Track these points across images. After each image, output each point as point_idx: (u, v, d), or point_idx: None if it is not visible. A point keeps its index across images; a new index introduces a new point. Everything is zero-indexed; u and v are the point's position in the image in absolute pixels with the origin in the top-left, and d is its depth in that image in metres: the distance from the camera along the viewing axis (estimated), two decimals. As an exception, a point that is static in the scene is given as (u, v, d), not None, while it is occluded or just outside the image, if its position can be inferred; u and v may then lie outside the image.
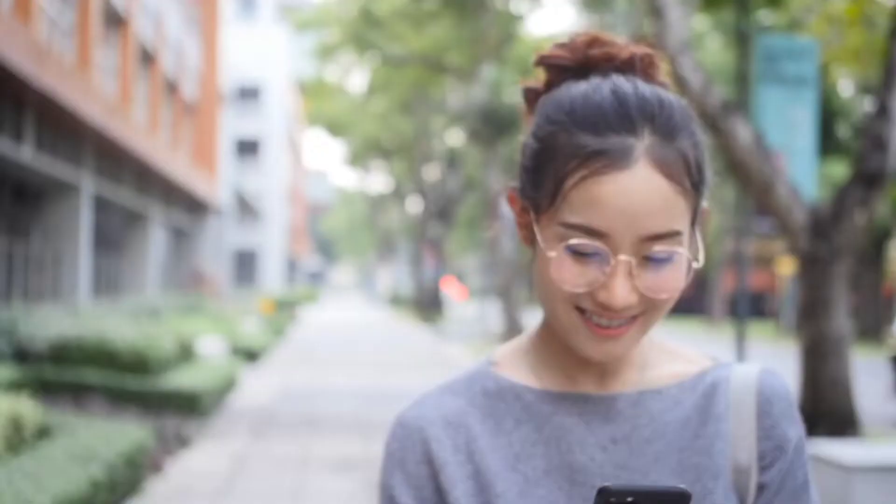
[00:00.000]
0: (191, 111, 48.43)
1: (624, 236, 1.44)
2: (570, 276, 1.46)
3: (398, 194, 67.30)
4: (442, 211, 55.71)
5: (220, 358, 21.65)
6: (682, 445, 1.59)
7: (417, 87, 41.32)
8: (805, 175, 14.14)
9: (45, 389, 14.27)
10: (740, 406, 1.61)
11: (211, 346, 22.39)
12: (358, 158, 63.67)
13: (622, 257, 1.44)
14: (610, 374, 1.63)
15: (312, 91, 50.17)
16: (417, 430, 1.61)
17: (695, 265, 1.53)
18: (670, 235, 1.46)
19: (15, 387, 13.10)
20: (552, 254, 1.47)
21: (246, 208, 73.90)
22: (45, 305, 24.01)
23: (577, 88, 1.53)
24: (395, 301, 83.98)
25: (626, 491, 1.27)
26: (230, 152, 65.45)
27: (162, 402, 14.83)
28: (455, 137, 51.37)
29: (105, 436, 10.14)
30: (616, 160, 1.44)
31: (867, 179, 12.35)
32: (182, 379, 15.69)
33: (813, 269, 12.49)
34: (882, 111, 12.47)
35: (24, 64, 18.82)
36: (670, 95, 1.54)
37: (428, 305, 57.51)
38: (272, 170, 79.84)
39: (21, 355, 15.52)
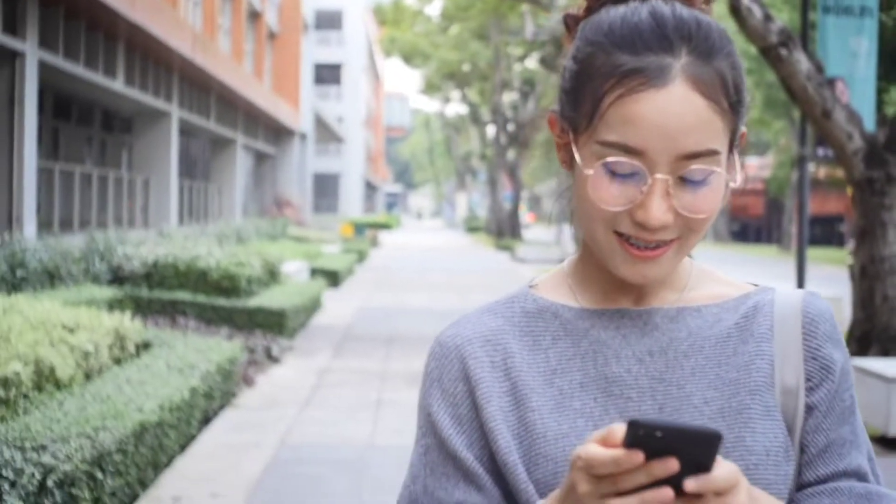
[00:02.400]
0: (273, 40, 49.10)
1: (660, 154, 1.45)
2: (607, 195, 1.48)
3: (475, 119, 67.66)
4: (518, 137, 56.04)
5: (303, 280, 22.53)
6: (720, 360, 1.60)
7: (494, 14, 41.59)
8: (865, 103, 14.49)
9: (142, 308, 15.20)
10: (785, 327, 1.63)
11: (294, 269, 23.24)
12: (434, 87, 64.00)
13: (659, 176, 1.45)
14: (649, 294, 1.65)
15: (390, 17, 50.46)
16: (455, 349, 1.63)
17: (732, 185, 1.57)
18: (707, 154, 1.46)
19: (114, 305, 14.01)
20: (589, 171, 1.49)
21: (326, 133, 74.54)
22: (137, 230, 24.95)
23: (616, 11, 1.54)
24: (473, 226, 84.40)
25: (656, 426, 1.26)
26: (310, 79, 66.10)
27: (250, 320, 15.72)
28: (531, 64, 51.60)
29: (200, 350, 10.99)
30: (653, 78, 1.45)
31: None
32: (269, 299, 16.56)
33: (867, 195, 12.94)
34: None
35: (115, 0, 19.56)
36: (709, 18, 1.54)
37: (504, 230, 58.03)
38: (352, 95, 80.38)
39: (117, 277, 16.45)
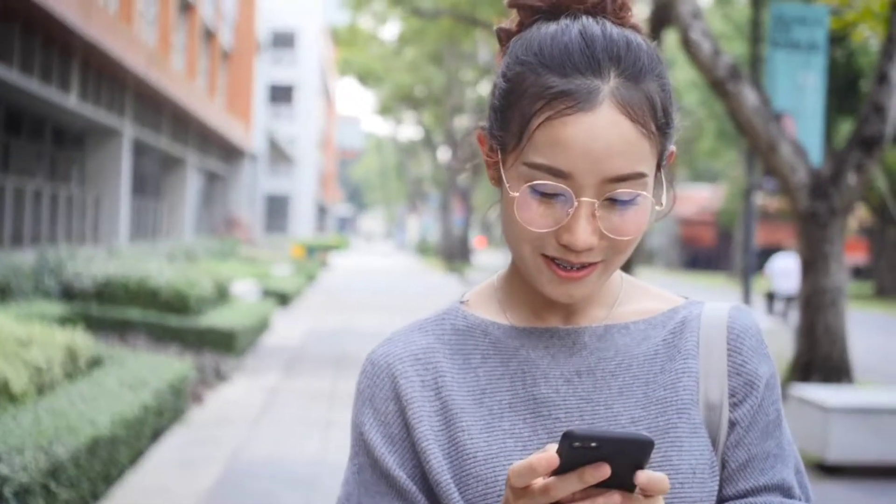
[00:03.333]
0: (227, 59, 49.11)
1: (587, 177, 1.45)
2: (533, 217, 1.48)
3: (428, 143, 67.82)
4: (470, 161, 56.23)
5: (253, 300, 22.58)
6: (647, 379, 1.60)
7: (449, 39, 41.83)
8: (812, 138, 14.77)
9: (92, 325, 15.20)
10: (710, 343, 1.63)
11: (244, 289, 23.27)
12: (389, 108, 64.22)
13: (585, 199, 1.46)
14: (577, 311, 1.65)
15: (345, 39, 50.61)
16: (386, 367, 1.63)
17: (658, 208, 1.55)
18: (634, 177, 1.47)
19: (64, 322, 14.03)
20: (516, 193, 1.49)
21: (278, 154, 74.52)
22: (87, 247, 24.91)
23: (547, 29, 1.54)
24: (424, 249, 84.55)
25: (590, 436, 1.28)
26: (264, 99, 66.11)
27: (200, 339, 15.77)
28: (485, 89, 51.88)
29: (151, 367, 11.07)
30: (581, 101, 1.45)
31: (865, 144, 13.01)
32: (219, 318, 16.62)
33: (812, 227, 13.21)
34: (882, 78, 13.12)
35: (72, 15, 19.62)
36: (639, 38, 1.54)
37: (455, 254, 58.23)
38: (304, 116, 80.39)
39: (68, 293, 16.46)
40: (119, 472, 8.61)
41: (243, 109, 51.57)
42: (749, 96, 13.24)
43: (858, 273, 51.01)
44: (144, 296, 16.33)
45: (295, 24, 77.45)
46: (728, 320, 1.65)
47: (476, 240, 74.78)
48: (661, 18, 15.70)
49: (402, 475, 1.59)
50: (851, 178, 12.99)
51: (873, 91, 13.28)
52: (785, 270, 23.96)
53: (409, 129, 75.21)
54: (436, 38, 41.98)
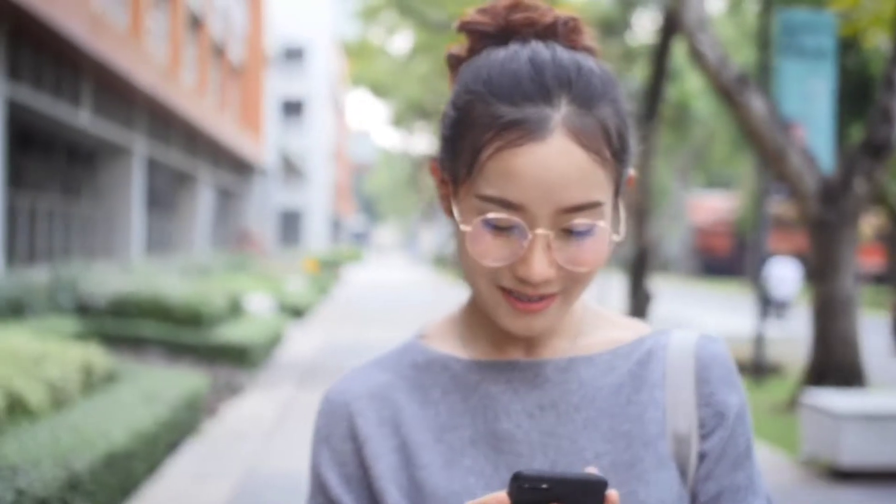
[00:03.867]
0: (237, 74, 49.25)
1: (541, 209, 1.41)
2: (487, 250, 1.44)
3: (441, 155, 67.85)
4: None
5: (267, 314, 22.67)
6: (613, 412, 1.56)
7: (459, 52, 41.93)
8: (822, 145, 14.82)
9: (106, 341, 15.30)
10: (678, 373, 1.59)
11: (258, 304, 23.37)
12: (401, 120, 64.36)
13: (539, 231, 1.42)
14: (539, 343, 1.60)
15: (356, 52, 50.74)
16: (342, 405, 1.60)
17: (615, 238, 1.50)
18: (589, 206, 1.43)
19: (79, 338, 14.13)
20: (468, 228, 1.45)
21: (290, 168, 74.73)
22: (100, 263, 25.03)
23: (496, 56, 1.50)
24: (438, 262, 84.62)
25: (539, 477, 1.25)
26: (275, 113, 66.27)
27: (214, 353, 15.87)
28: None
29: (166, 381, 11.17)
30: (532, 131, 1.41)
31: (874, 150, 13.07)
32: (232, 333, 16.73)
33: (822, 234, 13.27)
34: (890, 84, 13.16)
35: (82, 33, 19.75)
36: (591, 62, 1.50)
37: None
38: (316, 130, 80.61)
39: (82, 309, 16.57)
40: (135, 485, 8.69)
41: (254, 124, 51.76)
42: (757, 104, 13.31)
43: (878, 280, 50.88)
44: (158, 311, 16.44)
45: (305, 37, 77.71)
46: (696, 349, 1.59)
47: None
48: (670, 27, 15.77)
49: None
50: (860, 185, 13.04)
51: (881, 97, 13.33)
52: (781, 277, 25.29)
53: (421, 141, 75.26)
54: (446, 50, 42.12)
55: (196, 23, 37.80)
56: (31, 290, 15.41)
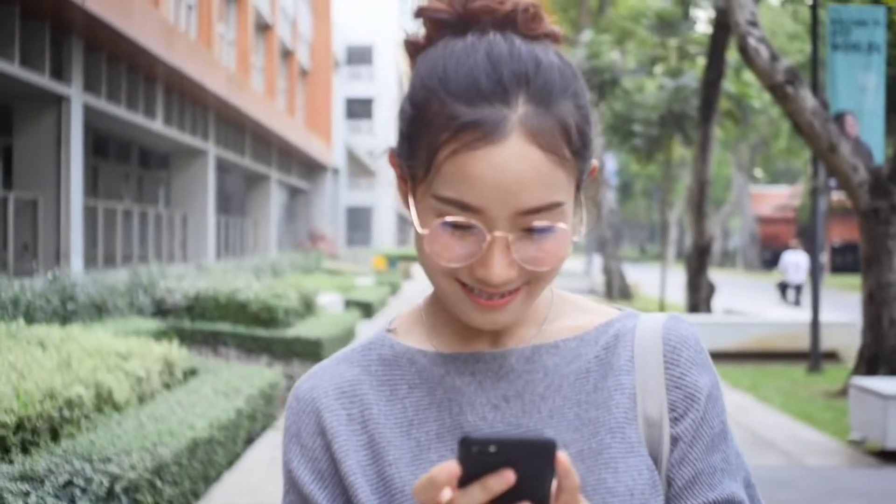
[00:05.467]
0: (305, 76, 49.92)
1: (499, 211, 1.38)
2: (445, 251, 1.42)
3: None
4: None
5: (338, 312, 23.28)
6: (579, 399, 1.53)
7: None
8: (874, 136, 15.08)
9: (184, 339, 15.92)
10: (646, 357, 1.56)
11: (329, 301, 23.97)
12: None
13: (498, 233, 1.39)
14: (505, 333, 1.58)
15: (421, 53, 51.07)
16: (310, 402, 1.58)
17: (575, 239, 1.47)
18: (549, 208, 1.39)
19: (159, 336, 14.76)
20: (426, 231, 1.43)
21: (359, 167, 75.31)
22: (177, 264, 25.75)
23: (453, 48, 1.44)
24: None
25: (487, 440, 1.22)
26: (342, 112, 66.88)
27: (288, 349, 16.46)
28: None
29: (243, 376, 11.75)
30: (488, 133, 1.36)
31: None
32: (305, 330, 17.31)
33: (873, 224, 13.59)
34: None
35: (156, 43, 20.44)
36: (552, 54, 1.46)
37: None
38: (384, 129, 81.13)
39: (160, 309, 17.25)
40: (217, 473, 9.27)
41: (323, 125, 52.41)
42: (807, 99, 13.66)
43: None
44: (234, 309, 17.06)
45: (371, 38, 78.17)
46: (663, 332, 1.56)
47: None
48: (722, 24, 16.12)
49: None
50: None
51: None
52: (795, 264, 29.50)
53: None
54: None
55: (264, 28, 38.51)
56: (112, 291, 16.08)
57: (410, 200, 1.49)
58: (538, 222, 1.40)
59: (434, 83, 1.43)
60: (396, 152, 1.53)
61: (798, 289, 29.58)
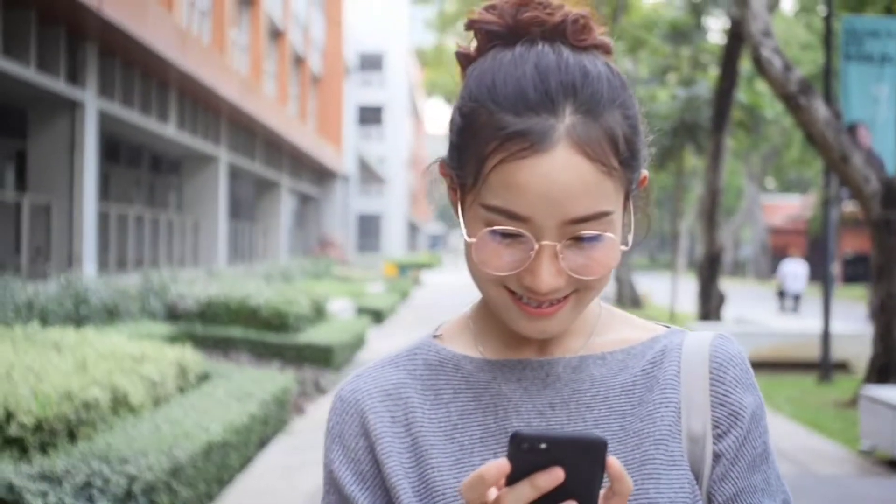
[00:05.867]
0: (316, 83, 50.03)
1: (546, 220, 1.39)
2: (493, 259, 1.44)
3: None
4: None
5: (348, 318, 23.38)
6: (624, 411, 1.55)
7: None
8: (885, 147, 15.13)
9: (196, 343, 15.99)
10: (692, 373, 1.57)
11: (339, 308, 24.08)
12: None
13: (546, 242, 1.41)
14: (552, 342, 1.59)
15: (431, 60, 51.23)
16: (355, 404, 1.59)
17: (624, 248, 1.47)
18: (596, 217, 1.41)
19: (170, 341, 14.85)
20: (473, 239, 1.45)
21: (369, 174, 75.45)
22: (187, 269, 25.84)
23: (502, 60, 1.46)
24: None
25: (538, 437, 1.23)
26: (353, 120, 67.03)
27: (299, 355, 16.56)
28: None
29: (256, 380, 11.83)
30: (536, 143, 1.38)
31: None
32: (316, 335, 17.40)
33: (884, 234, 13.64)
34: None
35: (170, 49, 20.54)
36: (600, 64, 1.47)
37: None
38: (394, 136, 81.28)
39: (172, 314, 17.34)
40: (230, 476, 9.35)
41: (334, 132, 52.55)
42: (820, 110, 13.72)
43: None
44: (245, 315, 17.15)
45: (382, 46, 78.38)
46: (710, 349, 1.58)
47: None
48: (735, 35, 16.16)
49: None
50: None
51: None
52: (794, 273, 30.17)
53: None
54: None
55: (277, 34, 38.61)
56: (124, 295, 16.17)
57: (459, 209, 1.50)
58: (586, 231, 1.40)
59: (482, 94, 1.44)
60: (446, 162, 1.53)
61: (796, 298, 30.32)
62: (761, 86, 25.28)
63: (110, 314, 15.47)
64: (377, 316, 27.66)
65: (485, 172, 1.41)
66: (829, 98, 15.69)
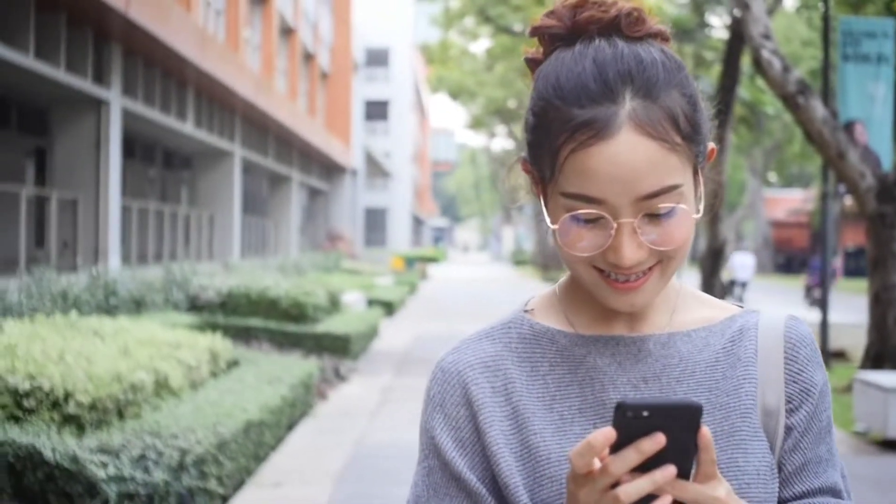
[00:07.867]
0: (325, 79, 50.42)
1: (620, 200, 1.47)
2: (577, 241, 1.52)
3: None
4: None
5: (361, 309, 24.09)
6: (710, 385, 1.63)
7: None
8: (882, 144, 15.62)
9: (219, 333, 16.60)
10: (768, 351, 1.66)
11: (352, 300, 24.70)
12: (481, 122, 65.06)
13: (623, 220, 1.49)
14: (640, 318, 1.67)
15: (436, 56, 51.46)
16: (456, 374, 1.65)
17: (696, 217, 1.56)
18: (667, 191, 1.48)
19: (194, 330, 15.41)
20: (555, 226, 1.54)
21: (375, 169, 75.72)
22: (204, 263, 26.38)
23: (564, 59, 1.55)
24: (519, 259, 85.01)
25: (642, 405, 1.30)
26: (360, 115, 67.36)
27: (318, 344, 17.20)
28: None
29: (282, 366, 12.51)
30: (601, 130, 1.46)
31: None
32: (333, 325, 18.04)
33: (879, 228, 14.23)
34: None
35: (190, 49, 21.10)
36: (653, 51, 1.55)
37: (550, 263, 58.83)
38: (399, 131, 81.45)
39: (194, 305, 17.94)
40: (265, 453, 10.01)
41: (342, 127, 52.99)
42: (818, 108, 14.29)
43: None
44: (265, 305, 17.75)
45: (388, 42, 78.58)
46: (785, 330, 1.68)
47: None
48: (737, 33, 16.69)
49: (472, 478, 1.62)
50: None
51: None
52: (742, 264, 33.93)
53: (501, 141, 75.63)
54: (525, 53, 42.80)
55: (287, 32, 39.06)
56: (149, 287, 16.77)
57: (541, 200, 1.60)
58: (660, 205, 1.50)
59: (549, 92, 1.54)
60: (527, 159, 1.64)
61: (744, 285, 33.69)
62: (762, 82, 25.74)
63: (137, 305, 16.06)
64: (388, 308, 28.35)
65: (559, 163, 1.51)
66: (828, 94, 16.25)
